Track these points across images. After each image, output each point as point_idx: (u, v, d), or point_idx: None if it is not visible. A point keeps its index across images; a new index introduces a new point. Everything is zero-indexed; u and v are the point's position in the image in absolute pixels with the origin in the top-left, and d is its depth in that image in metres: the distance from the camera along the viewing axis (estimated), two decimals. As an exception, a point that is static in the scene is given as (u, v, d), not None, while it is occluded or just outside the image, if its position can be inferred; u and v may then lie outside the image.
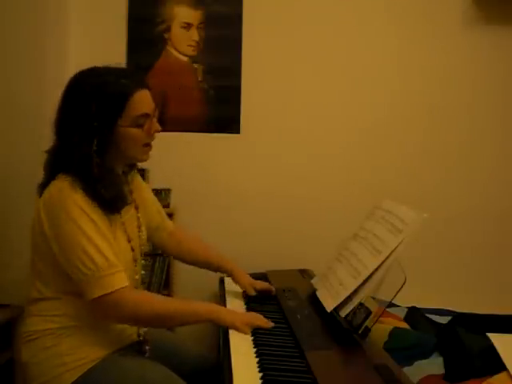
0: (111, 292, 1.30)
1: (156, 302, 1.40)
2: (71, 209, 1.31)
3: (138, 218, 1.56)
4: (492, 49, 2.45)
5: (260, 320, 1.45)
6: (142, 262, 1.59)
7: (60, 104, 1.40)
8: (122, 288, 1.32)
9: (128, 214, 1.50)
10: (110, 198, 1.37)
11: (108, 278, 1.31)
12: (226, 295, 1.81)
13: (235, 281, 1.76)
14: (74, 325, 1.39)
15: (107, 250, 1.32)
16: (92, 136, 1.34)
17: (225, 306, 1.70)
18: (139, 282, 1.54)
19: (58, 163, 1.39)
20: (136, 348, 1.50)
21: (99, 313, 1.35)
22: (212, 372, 1.58)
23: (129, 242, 1.48)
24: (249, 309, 1.64)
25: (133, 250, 1.49)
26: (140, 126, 1.39)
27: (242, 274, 1.77)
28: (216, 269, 1.79)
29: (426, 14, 2.45)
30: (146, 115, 1.40)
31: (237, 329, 1.40)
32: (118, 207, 1.42)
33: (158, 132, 1.45)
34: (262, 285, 1.76)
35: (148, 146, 1.45)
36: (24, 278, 2.02)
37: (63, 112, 1.40)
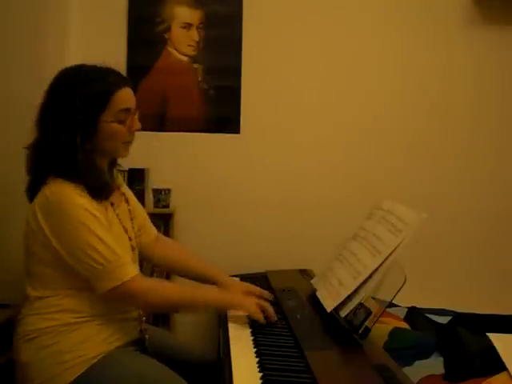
0: (123, 283, 1.35)
1: (168, 288, 1.46)
2: (71, 208, 1.34)
3: (130, 210, 1.61)
4: (492, 49, 2.46)
5: (270, 308, 1.51)
6: None
7: (45, 99, 1.43)
8: (133, 277, 1.37)
9: (120, 207, 1.55)
10: (97, 186, 1.41)
11: (118, 269, 1.35)
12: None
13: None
14: (73, 322, 1.39)
15: (112, 242, 1.37)
16: (76, 129, 1.38)
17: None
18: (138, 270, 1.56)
19: (40, 159, 1.42)
20: (136, 346, 1.51)
21: (114, 303, 1.41)
22: (212, 371, 1.59)
23: (126, 232, 1.53)
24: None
25: (130, 239, 1.54)
26: (122, 122, 1.43)
27: (231, 283, 1.71)
28: (206, 281, 1.72)
29: (426, 13, 2.45)
30: (128, 110, 1.44)
31: (252, 315, 1.47)
32: (107, 194, 1.46)
33: (139, 130, 1.48)
34: (256, 290, 1.70)
35: (128, 143, 1.48)
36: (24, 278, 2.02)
37: (48, 106, 1.42)
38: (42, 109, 1.43)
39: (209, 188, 2.45)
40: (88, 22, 2.39)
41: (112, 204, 1.50)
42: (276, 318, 1.51)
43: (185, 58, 2.44)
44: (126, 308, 1.49)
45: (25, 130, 2.05)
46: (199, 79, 2.44)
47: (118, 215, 1.51)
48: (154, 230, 1.77)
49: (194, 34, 2.43)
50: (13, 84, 2.05)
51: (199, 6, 2.42)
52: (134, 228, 1.60)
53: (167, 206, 2.32)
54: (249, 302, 1.51)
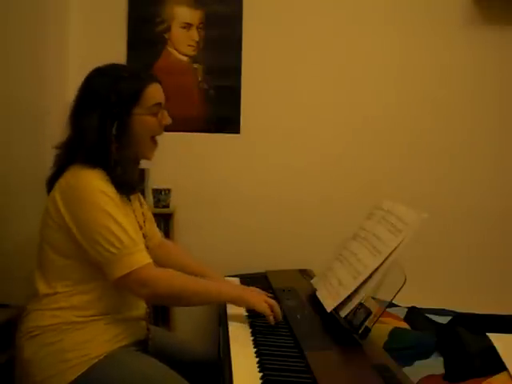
0: (137, 269, 1.35)
1: (183, 279, 1.45)
2: (91, 191, 1.37)
3: (143, 213, 1.64)
4: (492, 49, 2.46)
5: (278, 307, 1.51)
6: None
7: (79, 96, 1.49)
8: (147, 264, 1.38)
9: (135, 205, 1.59)
10: (126, 181, 1.47)
11: (134, 255, 1.36)
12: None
13: None
14: (78, 320, 1.39)
15: (130, 228, 1.39)
16: (112, 121, 1.44)
17: (225, 307, 1.69)
18: None
19: (72, 154, 1.45)
20: (139, 345, 1.51)
21: (131, 291, 1.41)
22: (213, 370, 1.59)
23: (140, 228, 1.55)
24: (249, 311, 1.63)
25: (144, 236, 1.56)
26: (154, 115, 1.50)
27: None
28: None
29: (425, 13, 2.45)
30: (159, 104, 1.51)
31: (263, 310, 1.46)
32: (129, 189, 1.52)
33: (168, 125, 1.55)
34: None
35: (155, 142, 1.54)
36: (24, 278, 2.02)
37: (83, 101, 1.48)
38: (77, 105, 1.49)
39: (209, 188, 2.45)
40: (88, 23, 2.39)
41: (129, 199, 1.55)
42: (281, 318, 1.51)
43: (185, 58, 2.44)
44: (135, 306, 1.50)
45: (25, 130, 2.07)
46: (199, 79, 2.44)
47: (134, 211, 1.55)
48: (159, 234, 1.81)
49: (194, 34, 2.43)
50: (13, 84, 2.04)
51: (199, 6, 2.42)
52: (146, 228, 1.63)
53: (167, 206, 2.32)
54: (259, 298, 1.50)
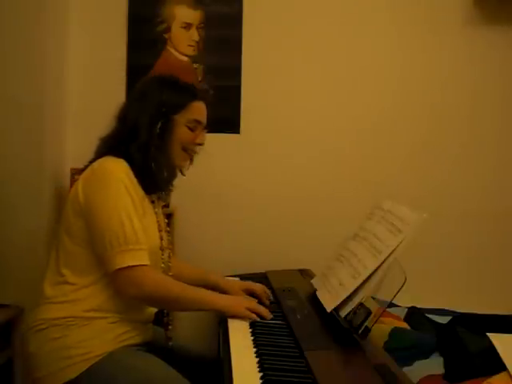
0: (134, 266, 1.37)
1: (174, 285, 1.46)
2: (113, 182, 1.41)
3: (166, 223, 1.68)
4: (492, 49, 2.45)
5: (261, 307, 1.53)
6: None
7: (133, 92, 1.62)
8: (144, 265, 1.39)
9: (158, 208, 1.63)
10: (155, 180, 1.52)
11: (133, 252, 1.38)
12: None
13: (225, 291, 1.73)
14: (84, 316, 1.40)
15: (138, 225, 1.41)
16: (158, 119, 1.52)
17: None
18: (162, 270, 1.57)
19: (115, 145, 1.50)
20: (143, 347, 1.51)
21: (119, 286, 1.41)
22: (213, 370, 1.58)
23: (159, 231, 1.57)
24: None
25: (161, 238, 1.57)
26: (191, 129, 1.57)
27: (230, 284, 1.76)
28: (200, 282, 1.75)
29: (425, 13, 2.44)
30: (199, 122, 1.59)
31: (243, 317, 1.48)
32: (157, 190, 1.59)
33: (201, 145, 1.61)
34: (255, 287, 1.73)
35: (188, 154, 1.60)
36: (24, 278, 2.03)
37: (136, 98, 1.57)
38: (128, 103, 1.59)
39: (209, 188, 2.45)
40: (88, 23, 2.39)
41: (153, 201, 1.58)
42: (271, 316, 1.52)
43: (185, 58, 2.44)
44: (143, 309, 1.51)
45: (25, 130, 2.07)
46: (199, 79, 2.44)
47: (156, 213, 1.58)
48: None
49: (194, 34, 2.43)
50: (12, 84, 2.05)
51: (199, 6, 2.42)
52: (167, 234, 1.65)
53: (167, 206, 2.31)
54: (238, 309, 1.50)
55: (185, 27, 2.42)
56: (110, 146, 1.51)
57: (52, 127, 2.19)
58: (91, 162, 1.51)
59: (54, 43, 2.20)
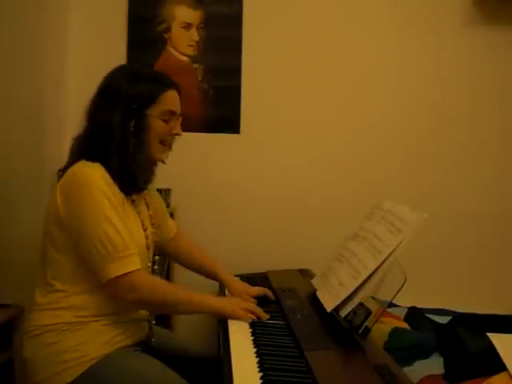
0: (127, 273, 1.36)
1: (168, 288, 1.47)
2: (91, 192, 1.37)
3: (150, 215, 1.64)
4: (492, 49, 2.45)
5: (257, 309, 1.53)
6: (156, 257, 1.62)
7: (101, 87, 1.52)
8: (136, 270, 1.38)
9: (140, 207, 1.59)
10: (136, 179, 1.49)
11: (124, 259, 1.37)
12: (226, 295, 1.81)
13: (230, 292, 1.74)
14: (77, 321, 1.39)
15: (123, 230, 1.39)
16: (130, 117, 1.46)
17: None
18: (150, 269, 1.58)
19: (90, 145, 1.46)
20: (139, 346, 1.50)
21: (116, 294, 1.40)
22: (213, 370, 1.58)
23: (144, 230, 1.55)
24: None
25: (147, 237, 1.55)
26: (166, 121, 1.51)
27: (236, 286, 1.76)
28: (208, 275, 1.81)
29: (425, 13, 2.44)
30: (173, 113, 1.53)
31: (240, 318, 1.48)
32: (138, 189, 1.54)
33: (179, 135, 1.56)
34: (258, 290, 1.74)
35: (165, 145, 1.54)
36: (24, 277, 2.02)
37: (104, 94, 1.50)
38: (96, 100, 1.51)
39: (209, 188, 2.45)
40: (88, 22, 2.39)
41: (133, 201, 1.55)
42: (268, 316, 1.52)
43: (185, 58, 2.44)
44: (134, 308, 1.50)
45: (25, 130, 2.07)
46: (199, 79, 2.44)
47: (138, 213, 1.56)
48: (174, 228, 1.84)
49: (194, 34, 2.43)
50: (13, 84, 2.05)
51: (199, 6, 2.42)
52: (152, 231, 1.62)
53: (167, 206, 2.31)
54: (234, 309, 1.50)
55: (185, 27, 2.42)
56: (85, 148, 1.46)
57: (52, 127, 2.19)
58: (68, 164, 1.47)
59: (53, 43, 2.20)
